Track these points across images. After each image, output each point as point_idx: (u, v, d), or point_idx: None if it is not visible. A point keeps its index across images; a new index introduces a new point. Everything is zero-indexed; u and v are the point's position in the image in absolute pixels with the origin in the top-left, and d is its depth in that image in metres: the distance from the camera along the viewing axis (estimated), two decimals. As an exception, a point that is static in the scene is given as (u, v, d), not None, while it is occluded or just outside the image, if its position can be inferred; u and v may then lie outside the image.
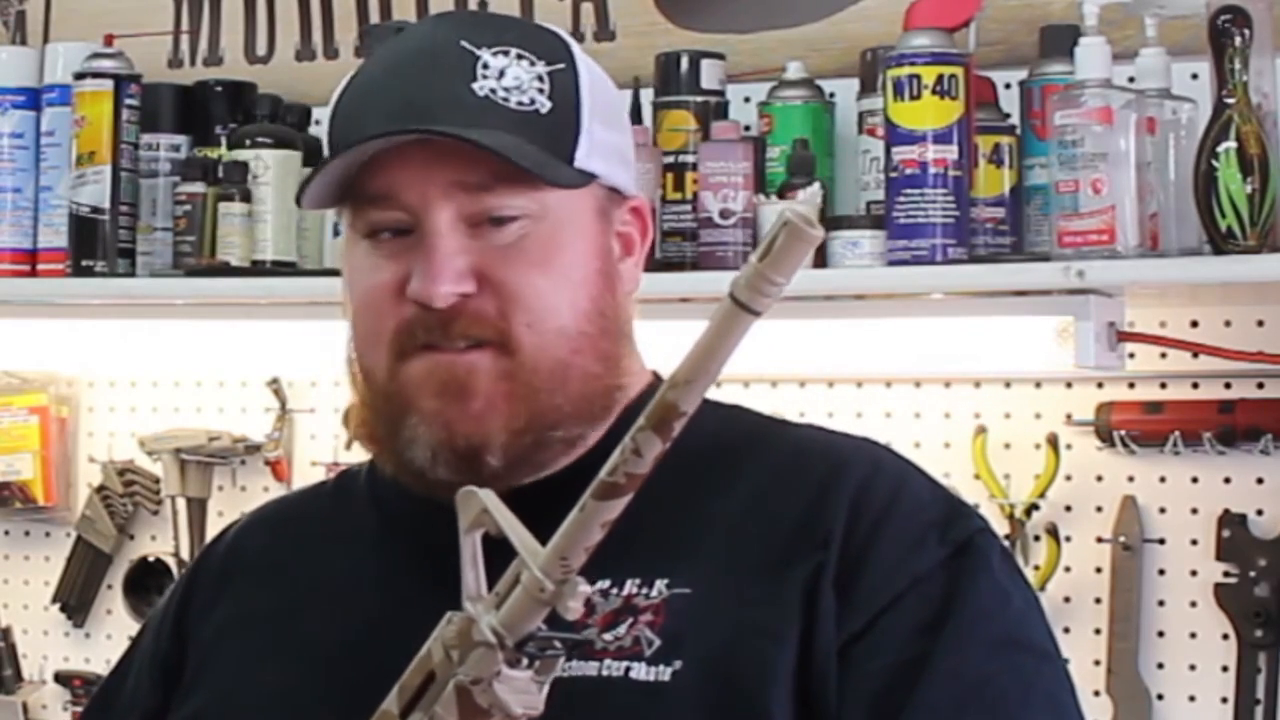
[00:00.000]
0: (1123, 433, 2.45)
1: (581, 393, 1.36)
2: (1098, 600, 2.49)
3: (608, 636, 1.31)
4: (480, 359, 1.34)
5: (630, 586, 1.33)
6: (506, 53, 1.37)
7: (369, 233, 1.37)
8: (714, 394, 1.12)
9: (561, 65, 1.38)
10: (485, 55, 1.36)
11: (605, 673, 1.30)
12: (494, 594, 1.16)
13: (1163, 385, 2.47)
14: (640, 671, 1.30)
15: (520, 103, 1.35)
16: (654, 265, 1.49)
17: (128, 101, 2.73)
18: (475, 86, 1.35)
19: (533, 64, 1.37)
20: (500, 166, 1.32)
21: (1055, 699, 1.33)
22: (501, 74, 1.36)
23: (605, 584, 1.32)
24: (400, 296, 1.35)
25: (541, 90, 1.36)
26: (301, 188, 1.37)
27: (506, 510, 1.17)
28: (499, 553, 1.18)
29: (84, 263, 2.72)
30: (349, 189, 1.37)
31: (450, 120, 1.33)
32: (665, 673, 1.30)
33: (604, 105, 1.40)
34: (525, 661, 1.16)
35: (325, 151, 1.41)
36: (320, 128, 1.71)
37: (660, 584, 1.33)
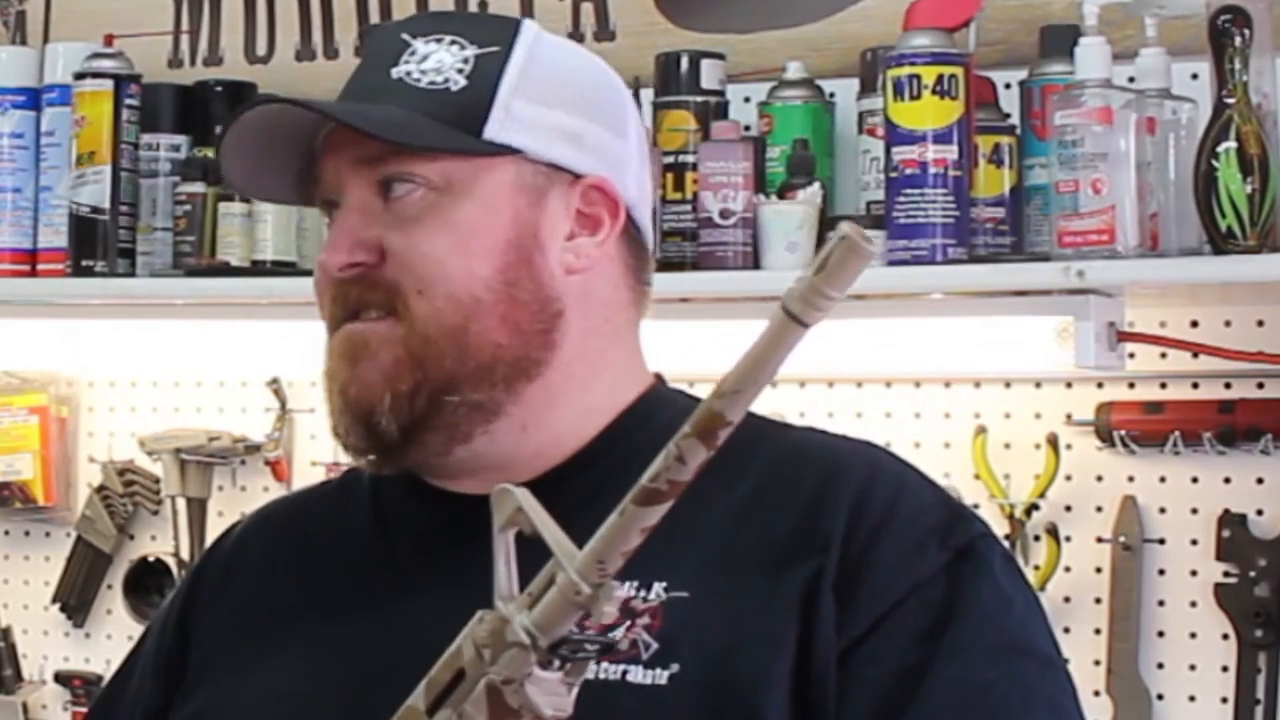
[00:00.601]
0: (1123, 433, 2.45)
1: (481, 361, 1.38)
2: (1098, 600, 2.49)
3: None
4: (380, 326, 1.38)
5: (628, 589, 1.32)
6: (440, 40, 1.41)
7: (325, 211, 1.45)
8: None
9: (495, 49, 1.41)
10: (417, 43, 1.41)
11: (602, 676, 1.30)
12: (527, 594, 1.15)
13: (1163, 385, 2.47)
14: (637, 675, 1.30)
15: (432, 82, 1.39)
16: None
17: (128, 101, 2.73)
18: (393, 70, 1.40)
19: (463, 48, 1.41)
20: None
21: (1057, 705, 1.33)
22: (425, 59, 1.40)
23: (603, 587, 1.32)
24: None
25: (461, 71, 1.40)
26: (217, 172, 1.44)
27: (542, 510, 1.16)
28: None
29: (84, 263, 2.72)
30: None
31: (361, 102, 1.40)
32: (662, 676, 1.30)
33: (542, 85, 1.41)
34: (557, 663, 1.16)
35: None
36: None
37: (658, 587, 1.33)
